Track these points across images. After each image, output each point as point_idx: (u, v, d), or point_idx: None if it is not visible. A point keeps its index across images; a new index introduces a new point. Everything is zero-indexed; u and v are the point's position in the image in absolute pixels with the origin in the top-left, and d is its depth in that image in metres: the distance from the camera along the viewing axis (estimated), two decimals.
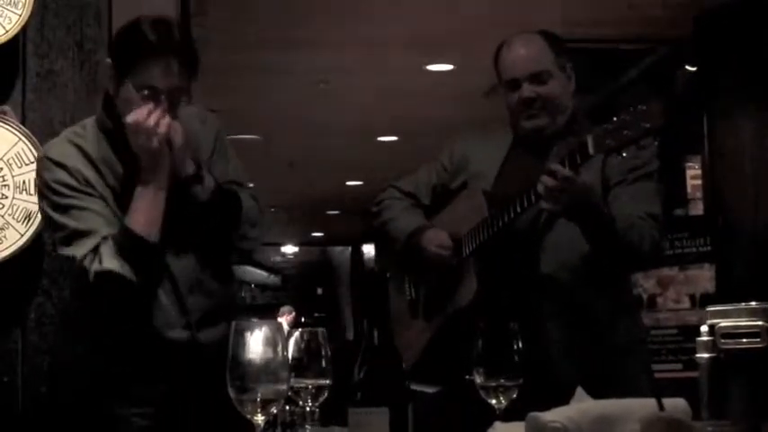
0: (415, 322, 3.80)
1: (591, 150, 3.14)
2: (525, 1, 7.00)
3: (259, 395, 1.96)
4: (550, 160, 3.32)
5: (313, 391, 2.35)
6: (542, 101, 3.52)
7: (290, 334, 2.24)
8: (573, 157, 3.18)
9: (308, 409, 2.38)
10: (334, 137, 11.30)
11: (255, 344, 1.96)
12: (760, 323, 3.57)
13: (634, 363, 3.45)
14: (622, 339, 3.48)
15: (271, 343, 1.97)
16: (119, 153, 3.21)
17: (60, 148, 3.23)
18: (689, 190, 8.61)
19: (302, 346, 2.34)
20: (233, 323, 1.99)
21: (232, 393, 1.95)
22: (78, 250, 3.10)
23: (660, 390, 1.96)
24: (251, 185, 3.44)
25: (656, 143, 3.19)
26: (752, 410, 2.18)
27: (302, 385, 2.33)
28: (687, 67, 7.99)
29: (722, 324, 3.75)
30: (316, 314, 20.11)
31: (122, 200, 3.16)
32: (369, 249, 21.98)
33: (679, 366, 7.09)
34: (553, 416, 2.00)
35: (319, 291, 24.54)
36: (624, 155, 3.14)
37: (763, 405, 2.20)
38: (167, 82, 3.10)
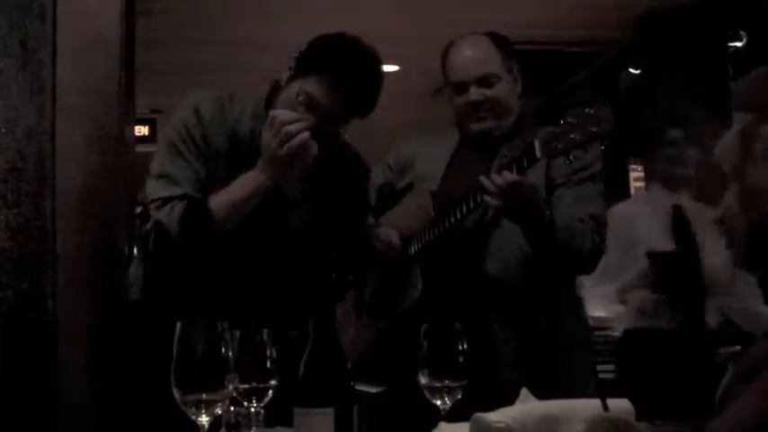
0: (360, 322, 3.80)
1: (538, 153, 3.16)
2: (470, 2, 7.02)
3: (203, 396, 1.95)
4: (497, 162, 3.33)
5: (257, 391, 2.35)
6: (489, 104, 3.53)
7: (234, 334, 2.23)
8: (520, 161, 3.20)
9: (252, 409, 2.38)
10: None
11: (200, 344, 1.95)
12: None
13: (579, 363, 3.47)
14: (567, 340, 3.50)
15: (215, 343, 1.96)
16: (253, 138, 3.20)
17: (212, 103, 3.24)
18: (632, 192, 8.67)
19: (247, 346, 2.33)
20: (177, 323, 1.98)
21: (176, 394, 1.95)
22: (156, 191, 3.15)
23: (605, 390, 1.97)
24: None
25: (602, 144, 3.21)
26: (694, 410, 2.21)
27: (247, 386, 2.33)
28: (631, 70, 8.06)
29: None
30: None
31: (223, 178, 3.17)
32: None
33: None
34: (498, 416, 2.00)
35: None
36: (571, 159, 3.16)
37: (706, 404, 2.23)
38: (328, 101, 3.12)
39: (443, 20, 6.74)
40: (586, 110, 3.09)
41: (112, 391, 3.29)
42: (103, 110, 3.87)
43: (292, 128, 3.05)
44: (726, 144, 2.28)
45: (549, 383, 2.82)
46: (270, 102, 3.23)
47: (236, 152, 3.21)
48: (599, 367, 5.35)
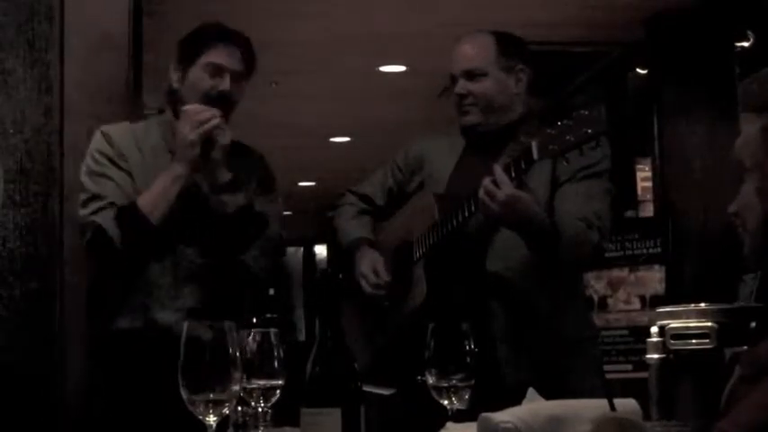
0: (367, 323, 3.80)
1: (535, 156, 3.16)
2: (478, 2, 7.02)
3: (211, 396, 1.95)
4: (498, 164, 3.32)
5: (265, 391, 2.35)
6: (473, 98, 3.54)
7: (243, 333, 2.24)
8: (518, 163, 3.20)
9: (260, 409, 2.38)
10: (286, 137, 11.28)
11: (207, 344, 1.96)
12: (709, 324, 3.60)
13: (585, 363, 3.47)
14: (574, 339, 3.50)
15: (223, 343, 1.97)
16: (165, 142, 3.46)
17: (117, 125, 3.53)
18: (639, 192, 8.66)
19: (254, 346, 2.34)
20: (185, 323, 1.98)
21: (184, 394, 1.95)
22: (86, 210, 3.34)
23: (612, 390, 1.97)
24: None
25: (599, 144, 3.20)
26: (700, 410, 2.20)
27: (254, 386, 2.33)
28: (638, 70, 8.05)
29: (672, 325, 3.79)
30: (267, 315, 20.09)
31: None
32: (321, 250, 21.96)
33: (629, 367, 7.13)
34: (505, 416, 2.00)
35: (271, 291, 24.49)
36: (567, 160, 3.17)
37: (712, 405, 2.22)
38: (231, 63, 3.44)
39: (450, 20, 6.75)
40: (581, 111, 3.10)
41: (114, 390, 3.30)
42: (111, 110, 3.89)
43: (202, 116, 3.33)
44: (749, 138, 2.27)
45: (555, 383, 2.82)
46: (171, 103, 3.51)
47: (155, 158, 3.43)
48: (605, 367, 5.34)
